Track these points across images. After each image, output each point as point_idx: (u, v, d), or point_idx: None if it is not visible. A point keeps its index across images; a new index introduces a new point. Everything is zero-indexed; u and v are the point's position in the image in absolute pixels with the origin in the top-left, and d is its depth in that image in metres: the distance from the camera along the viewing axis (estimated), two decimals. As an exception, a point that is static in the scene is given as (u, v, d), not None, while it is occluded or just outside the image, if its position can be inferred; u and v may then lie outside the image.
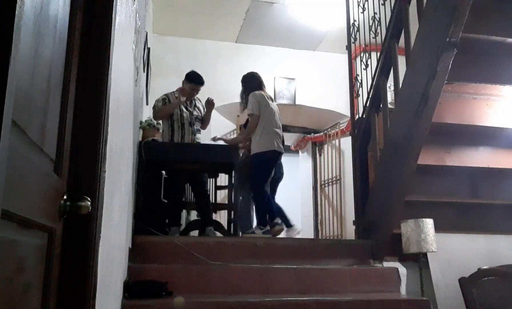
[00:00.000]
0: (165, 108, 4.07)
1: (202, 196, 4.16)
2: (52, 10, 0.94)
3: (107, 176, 1.35)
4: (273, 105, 4.11)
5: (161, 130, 4.17)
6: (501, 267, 3.30)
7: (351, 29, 4.11)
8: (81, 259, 1.17)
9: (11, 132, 0.63)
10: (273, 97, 6.01)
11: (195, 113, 4.20)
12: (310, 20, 5.71)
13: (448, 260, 3.49)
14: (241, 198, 4.11)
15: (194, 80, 4.13)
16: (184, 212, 4.76)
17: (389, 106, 3.41)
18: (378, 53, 3.61)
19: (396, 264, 3.28)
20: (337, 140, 6.49)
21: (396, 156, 3.12)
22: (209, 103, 4.23)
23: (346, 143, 5.54)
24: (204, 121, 4.30)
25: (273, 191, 4.27)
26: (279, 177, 4.35)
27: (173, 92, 4.21)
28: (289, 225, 4.16)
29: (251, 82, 4.12)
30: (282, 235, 4.05)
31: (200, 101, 4.34)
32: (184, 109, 4.12)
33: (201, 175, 4.22)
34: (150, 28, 5.23)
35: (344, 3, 4.24)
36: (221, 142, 4.43)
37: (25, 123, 0.79)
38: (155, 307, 2.41)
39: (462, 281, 3.13)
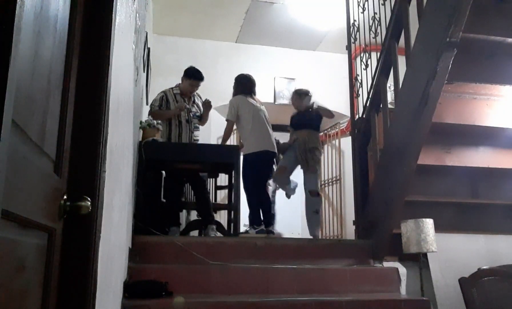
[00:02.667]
0: (162, 114, 4.04)
1: (202, 195, 4.16)
2: (52, 10, 0.94)
3: (107, 176, 1.35)
4: (262, 107, 4.10)
5: (161, 130, 4.16)
6: (501, 267, 3.30)
7: (351, 29, 4.11)
8: (81, 259, 1.17)
9: (11, 132, 0.63)
10: (273, 97, 6.03)
11: (193, 109, 4.18)
12: (310, 20, 5.70)
13: (448, 260, 3.49)
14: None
15: (193, 75, 4.11)
16: (184, 212, 4.76)
17: (389, 106, 3.41)
18: (378, 53, 3.61)
19: (396, 264, 3.28)
20: (337, 140, 6.48)
21: (396, 155, 3.12)
22: (206, 106, 4.22)
23: (346, 143, 5.53)
24: (202, 119, 4.29)
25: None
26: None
27: (171, 88, 4.18)
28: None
29: (236, 86, 4.15)
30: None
31: (200, 98, 4.31)
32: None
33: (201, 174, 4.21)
34: (150, 28, 5.23)
35: (344, 3, 4.24)
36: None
37: (25, 123, 0.79)
38: (155, 307, 2.41)
39: (462, 281, 3.13)
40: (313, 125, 4.13)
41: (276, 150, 4.02)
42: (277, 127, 4.59)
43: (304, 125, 4.08)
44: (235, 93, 4.11)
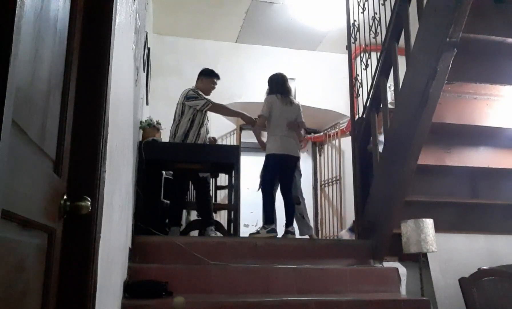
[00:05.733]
0: (232, 112, 4.27)
1: (204, 197, 4.16)
2: (52, 10, 0.94)
3: (107, 176, 1.35)
4: (290, 109, 3.99)
5: (161, 130, 4.15)
6: (501, 267, 3.30)
7: (351, 29, 4.11)
8: (81, 259, 1.17)
9: (11, 132, 0.63)
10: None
11: (207, 113, 4.24)
12: (310, 20, 5.70)
13: (448, 260, 3.49)
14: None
15: (214, 74, 4.23)
16: (184, 212, 4.76)
17: (389, 106, 3.41)
18: (378, 53, 3.61)
19: (396, 264, 3.28)
20: (337, 140, 6.49)
21: (396, 156, 3.12)
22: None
23: (346, 143, 5.54)
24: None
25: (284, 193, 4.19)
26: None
27: (194, 90, 4.18)
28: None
29: (270, 85, 4.15)
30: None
31: None
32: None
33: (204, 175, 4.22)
34: (150, 28, 5.23)
35: (344, 3, 4.24)
36: None
37: (25, 123, 0.79)
38: (155, 307, 2.41)
39: (462, 281, 3.13)
40: None
41: (298, 154, 4.00)
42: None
43: None
44: (269, 91, 4.11)
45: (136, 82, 2.82)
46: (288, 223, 3.85)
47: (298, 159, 4.02)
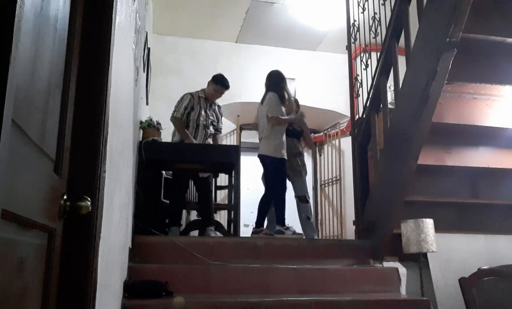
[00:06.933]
0: (181, 131, 4.00)
1: (206, 197, 4.16)
2: (52, 10, 0.94)
3: (107, 176, 1.35)
4: (260, 108, 4.04)
5: (161, 130, 4.14)
6: (501, 267, 3.30)
7: (351, 29, 4.11)
8: (81, 259, 1.17)
9: (11, 132, 0.63)
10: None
11: (211, 117, 4.20)
12: (310, 20, 5.71)
13: (448, 260, 3.50)
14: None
15: (219, 82, 4.17)
16: (184, 212, 4.76)
17: (389, 106, 3.41)
18: (378, 53, 3.61)
19: (396, 264, 3.28)
20: (337, 140, 6.49)
21: (396, 156, 3.12)
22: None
23: (346, 143, 5.54)
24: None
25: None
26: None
27: (197, 91, 4.17)
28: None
29: None
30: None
31: (219, 106, 4.36)
32: (203, 112, 4.11)
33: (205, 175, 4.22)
34: (150, 28, 5.23)
35: (344, 3, 4.24)
36: None
37: (25, 123, 0.79)
38: (155, 307, 2.41)
39: (462, 281, 3.13)
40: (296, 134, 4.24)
41: (268, 154, 3.88)
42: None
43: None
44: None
45: (136, 82, 2.82)
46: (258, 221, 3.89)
47: (266, 156, 3.90)
